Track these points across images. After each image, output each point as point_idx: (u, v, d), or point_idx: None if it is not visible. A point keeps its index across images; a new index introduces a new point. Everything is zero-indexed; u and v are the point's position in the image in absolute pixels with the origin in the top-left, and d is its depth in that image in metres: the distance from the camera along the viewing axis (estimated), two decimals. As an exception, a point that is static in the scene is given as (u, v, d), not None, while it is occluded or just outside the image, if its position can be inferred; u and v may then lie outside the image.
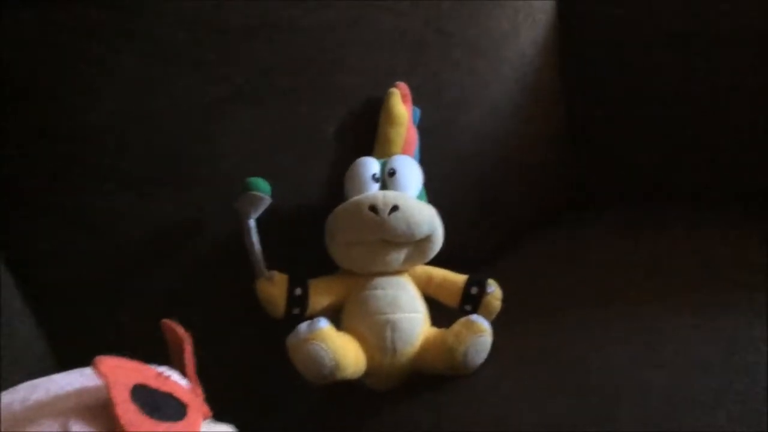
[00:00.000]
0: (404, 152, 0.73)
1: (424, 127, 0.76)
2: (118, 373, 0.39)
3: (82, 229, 0.66)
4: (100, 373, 0.38)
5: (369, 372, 0.66)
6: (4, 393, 0.42)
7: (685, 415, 0.53)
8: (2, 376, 0.56)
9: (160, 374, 0.42)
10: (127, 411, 0.38)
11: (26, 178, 0.65)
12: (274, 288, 0.67)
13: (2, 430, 0.39)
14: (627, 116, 0.91)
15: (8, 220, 0.65)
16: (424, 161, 0.74)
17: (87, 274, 0.67)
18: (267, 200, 0.67)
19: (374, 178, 0.69)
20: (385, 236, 0.66)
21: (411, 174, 0.70)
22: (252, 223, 0.67)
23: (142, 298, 0.65)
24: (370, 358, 0.66)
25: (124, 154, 0.66)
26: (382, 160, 0.71)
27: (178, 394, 0.42)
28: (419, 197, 0.70)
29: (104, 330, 0.66)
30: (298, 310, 0.67)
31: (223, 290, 0.70)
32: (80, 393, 0.40)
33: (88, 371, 0.42)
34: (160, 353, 0.47)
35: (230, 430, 0.46)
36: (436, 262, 0.72)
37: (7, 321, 0.61)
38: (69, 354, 0.49)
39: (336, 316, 0.68)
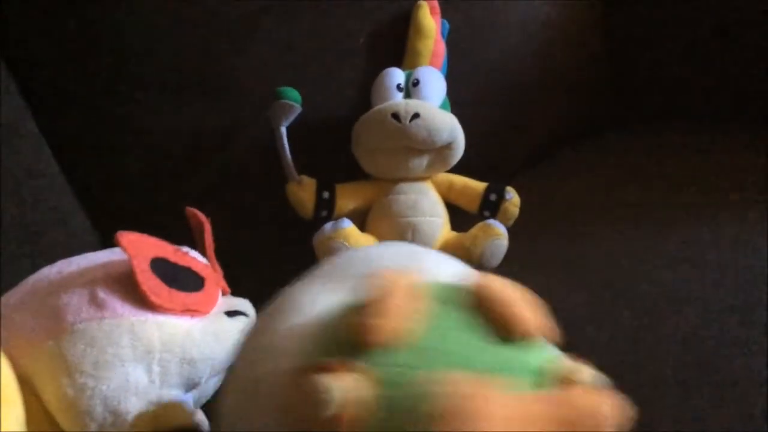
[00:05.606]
0: (432, 65, 0.74)
1: (452, 41, 0.77)
2: (139, 246, 0.44)
3: (124, 132, 0.71)
4: (121, 246, 0.43)
5: (390, 271, 0.70)
6: (44, 268, 0.47)
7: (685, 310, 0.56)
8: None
9: (178, 250, 0.47)
10: (148, 279, 0.44)
11: (77, 86, 0.70)
12: (304, 191, 0.71)
13: (40, 296, 0.44)
14: (666, 35, 0.89)
15: (64, 120, 0.70)
16: (452, 74, 0.75)
17: (130, 173, 0.72)
18: (297, 108, 0.70)
19: (399, 88, 0.71)
20: (406, 142, 0.69)
21: (434, 84, 0.72)
22: (283, 130, 0.71)
23: (179, 197, 0.70)
24: (391, 259, 0.70)
25: (163, 65, 0.71)
26: (408, 71, 0.73)
27: (197, 268, 0.47)
28: (442, 107, 0.72)
29: (144, 226, 0.71)
30: (325, 212, 0.71)
31: (256, 193, 0.75)
32: (107, 265, 0.46)
33: (117, 250, 0.47)
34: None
35: (246, 303, 0.51)
36: (462, 172, 0.74)
37: (62, 217, 0.68)
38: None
39: (362, 221, 0.72)
